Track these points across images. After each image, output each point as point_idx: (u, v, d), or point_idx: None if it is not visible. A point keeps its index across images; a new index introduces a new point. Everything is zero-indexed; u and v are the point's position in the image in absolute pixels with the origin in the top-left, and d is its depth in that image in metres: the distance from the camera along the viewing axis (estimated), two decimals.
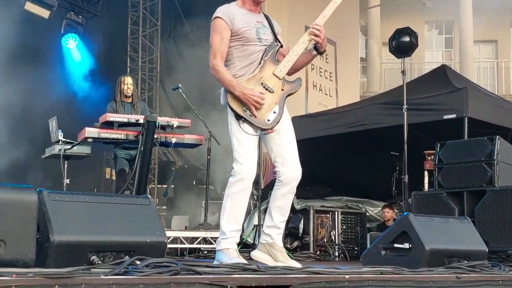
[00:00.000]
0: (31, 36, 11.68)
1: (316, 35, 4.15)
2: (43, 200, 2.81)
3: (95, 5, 13.13)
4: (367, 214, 9.39)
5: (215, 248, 4.36)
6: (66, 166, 6.93)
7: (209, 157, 7.98)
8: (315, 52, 4.27)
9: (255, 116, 4.03)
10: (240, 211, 4.14)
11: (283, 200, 4.23)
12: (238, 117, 4.05)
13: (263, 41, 4.21)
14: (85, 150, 7.05)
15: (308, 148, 9.82)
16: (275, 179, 4.29)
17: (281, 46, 4.26)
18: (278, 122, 4.09)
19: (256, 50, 4.17)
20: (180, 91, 7.60)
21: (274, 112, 4.07)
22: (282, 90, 4.13)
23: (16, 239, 2.56)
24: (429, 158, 7.53)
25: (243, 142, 4.07)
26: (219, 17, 4.15)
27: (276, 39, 4.29)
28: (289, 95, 4.17)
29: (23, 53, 11.18)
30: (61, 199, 2.89)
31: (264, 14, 4.38)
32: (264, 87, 4.08)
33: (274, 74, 4.12)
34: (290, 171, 4.19)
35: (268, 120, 4.06)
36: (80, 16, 12.59)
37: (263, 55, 4.16)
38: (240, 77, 4.11)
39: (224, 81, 4.07)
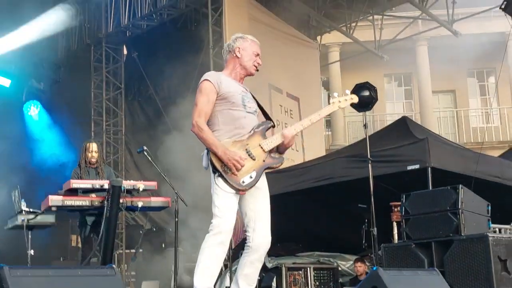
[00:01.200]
0: None
1: (291, 143, 4.33)
2: (3, 277, 2.74)
3: (57, 71, 13.18)
4: (339, 268, 9.34)
5: None
6: (30, 236, 6.77)
7: (176, 219, 7.86)
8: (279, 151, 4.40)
9: (230, 173, 4.10)
10: (216, 266, 4.11)
11: (251, 268, 4.20)
12: (214, 170, 4.13)
13: (247, 108, 4.35)
14: (49, 219, 6.90)
15: (277, 204, 9.77)
16: (245, 238, 4.27)
17: (274, 126, 4.44)
18: (251, 187, 4.16)
19: (241, 115, 4.29)
20: (145, 153, 7.56)
21: (251, 177, 4.16)
22: (264, 161, 4.24)
23: None
24: (395, 209, 7.58)
25: (223, 198, 4.12)
26: (208, 80, 4.30)
27: (258, 104, 4.46)
28: (269, 168, 4.29)
29: None
30: (23, 274, 2.82)
31: (243, 86, 4.52)
32: (247, 153, 4.19)
33: (260, 146, 4.25)
34: (260, 238, 4.21)
35: (243, 182, 4.13)
36: (42, 83, 12.60)
37: (255, 126, 4.30)
38: (224, 140, 4.19)
39: (207, 140, 4.15)
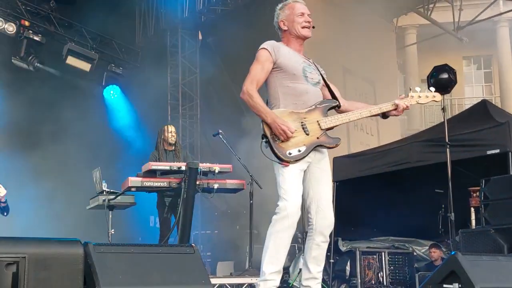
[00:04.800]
0: (74, 88, 12.03)
1: (400, 112, 4.28)
2: (89, 253, 2.85)
3: (135, 56, 13.49)
4: (415, 253, 9.23)
5: None
6: (110, 216, 7.00)
7: (251, 201, 7.97)
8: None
9: (279, 142, 4.01)
10: (283, 251, 4.06)
11: (318, 250, 4.17)
12: (263, 136, 4.05)
13: (309, 79, 4.23)
14: (129, 199, 7.12)
15: (351, 189, 9.82)
16: None
17: (339, 107, 4.29)
18: (296, 160, 4.03)
19: (303, 90, 4.18)
20: (221, 136, 7.67)
21: (299, 151, 4.02)
22: (317, 138, 4.10)
23: None
24: (474, 195, 7.41)
25: (288, 179, 4.04)
26: (265, 48, 4.20)
27: (323, 79, 4.34)
28: (321, 146, 4.14)
29: (65, 106, 11.47)
30: (106, 251, 2.93)
31: (306, 57, 4.41)
32: (302, 126, 4.07)
33: (318, 122, 4.12)
34: (324, 220, 4.16)
35: (290, 154, 4.00)
36: (121, 68, 12.92)
37: (317, 102, 4.19)
38: (281, 109, 4.12)
39: (257, 106, 4.06)
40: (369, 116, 4.35)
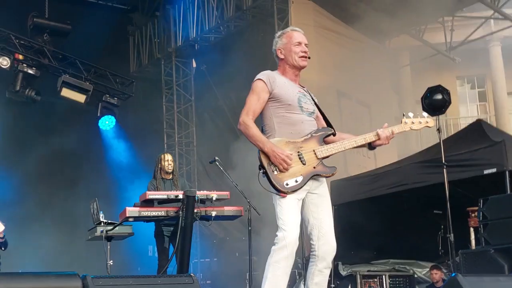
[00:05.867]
0: (70, 120, 12.04)
1: (385, 141, 4.27)
2: (87, 286, 2.82)
3: (129, 86, 13.52)
4: (415, 276, 9.17)
5: None
6: (109, 247, 6.96)
7: (250, 227, 7.92)
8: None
9: (276, 173, 3.99)
10: (283, 281, 4.03)
11: (320, 276, 4.14)
12: (260, 167, 4.03)
13: (304, 110, 4.23)
14: (127, 230, 7.08)
15: (350, 212, 9.79)
16: None
17: (334, 134, 4.28)
18: (294, 191, 4.02)
19: (299, 120, 4.18)
20: (217, 163, 7.65)
21: (296, 181, 4.02)
22: (314, 168, 4.10)
23: None
24: (473, 215, 7.40)
25: (286, 209, 4.03)
26: (260, 79, 4.21)
27: (318, 108, 4.35)
28: (317, 175, 4.13)
29: (61, 138, 11.48)
30: (105, 283, 2.91)
31: (302, 85, 4.41)
32: (299, 155, 4.07)
33: (314, 151, 4.12)
34: (326, 245, 4.13)
35: (287, 184, 4.00)
36: (116, 98, 12.95)
37: (313, 131, 4.18)
38: (277, 139, 4.11)
39: (254, 136, 4.06)
40: (358, 147, 4.32)
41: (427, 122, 4.43)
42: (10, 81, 11.70)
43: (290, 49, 4.29)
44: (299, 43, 4.30)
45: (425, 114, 4.46)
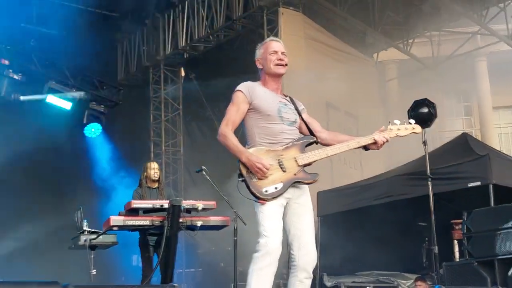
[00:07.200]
0: (54, 127, 11.96)
1: (379, 147, 4.28)
2: None
3: (117, 94, 13.48)
4: (400, 287, 9.17)
5: None
6: (92, 256, 6.90)
7: (235, 238, 7.89)
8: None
9: (255, 180, 4.01)
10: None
11: (301, 286, 4.13)
12: (239, 175, 4.06)
13: (285, 119, 4.24)
14: (111, 239, 7.03)
15: (335, 223, 9.81)
16: None
17: (317, 143, 4.29)
18: (273, 198, 4.02)
19: (279, 130, 4.20)
20: (204, 173, 7.63)
21: (276, 188, 4.03)
22: (295, 175, 4.10)
23: None
24: (457, 227, 7.44)
25: (267, 215, 4.03)
26: (240, 90, 4.25)
27: (300, 117, 4.34)
28: (298, 182, 4.12)
29: (46, 145, 11.41)
30: None
31: (285, 94, 4.43)
32: (279, 163, 4.08)
33: (295, 158, 4.12)
34: (306, 256, 4.12)
35: (266, 191, 4.01)
36: (102, 106, 12.90)
37: (294, 139, 4.20)
38: (257, 148, 4.13)
39: (231, 146, 4.11)
40: (347, 150, 4.34)
41: (413, 128, 4.42)
42: None
43: (266, 58, 4.32)
44: (275, 52, 4.32)
45: (412, 121, 4.44)
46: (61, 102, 12.01)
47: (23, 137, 11.32)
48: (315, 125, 4.43)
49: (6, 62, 11.59)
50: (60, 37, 12.28)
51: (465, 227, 6.45)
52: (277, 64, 4.30)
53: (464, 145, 9.15)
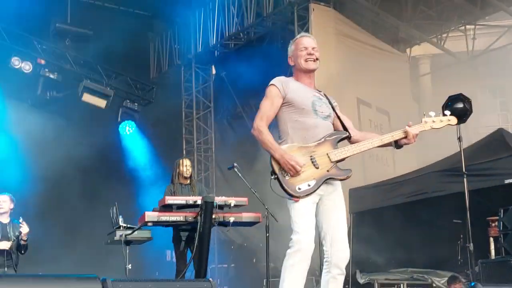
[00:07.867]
0: (89, 125, 12.13)
1: (412, 140, 4.26)
2: None
3: (150, 92, 13.63)
4: (434, 285, 9.09)
5: None
6: (128, 251, 6.99)
7: (267, 234, 7.90)
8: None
9: (288, 178, 4.00)
10: (299, 284, 4.03)
11: (334, 283, 4.13)
12: (272, 172, 4.04)
13: (319, 113, 4.23)
14: (145, 234, 7.12)
15: (368, 220, 9.75)
16: None
17: (349, 138, 4.27)
18: (307, 195, 4.02)
19: (312, 124, 4.18)
20: (236, 170, 7.65)
21: (308, 185, 4.02)
22: (327, 171, 4.09)
23: None
24: (493, 224, 7.33)
25: (300, 212, 4.03)
26: (273, 85, 4.25)
27: (334, 111, 4.33)
28: (331, 178, 4.11)
29: (82, 143, 11.57)
30: (124, 286, 2.92)
31: (318, 90, 4.42)
32: (311, 160, 4.06)
33: (327, 154, 4.11)
34: (339, 252, 4.11)
35: (299, 189, 4.00)
36: (136, 104, 13.05)
37: (327, 135, 4.17)
38: (289, 145, 4.13)
39: (265, 142, 4.09)
40: (380, 146, 4.29)
41: (449, 120, 4.38)
42: (32, 86, 11.81)
43: (297, 55, 4.33)
44: (305, 48, 4.32)
45: (447, 112, 4.37)
46: (96, 101, 12.16)
47: (58, 137, 11.50)
48: (348, 123, 4.41)
49: (42, 62, 11.78)
50: (94, 37, 12.44)
51: (501, 224, 6.36)
52: (307, 60, 4.29)
53: (500, 140, 9.00)
